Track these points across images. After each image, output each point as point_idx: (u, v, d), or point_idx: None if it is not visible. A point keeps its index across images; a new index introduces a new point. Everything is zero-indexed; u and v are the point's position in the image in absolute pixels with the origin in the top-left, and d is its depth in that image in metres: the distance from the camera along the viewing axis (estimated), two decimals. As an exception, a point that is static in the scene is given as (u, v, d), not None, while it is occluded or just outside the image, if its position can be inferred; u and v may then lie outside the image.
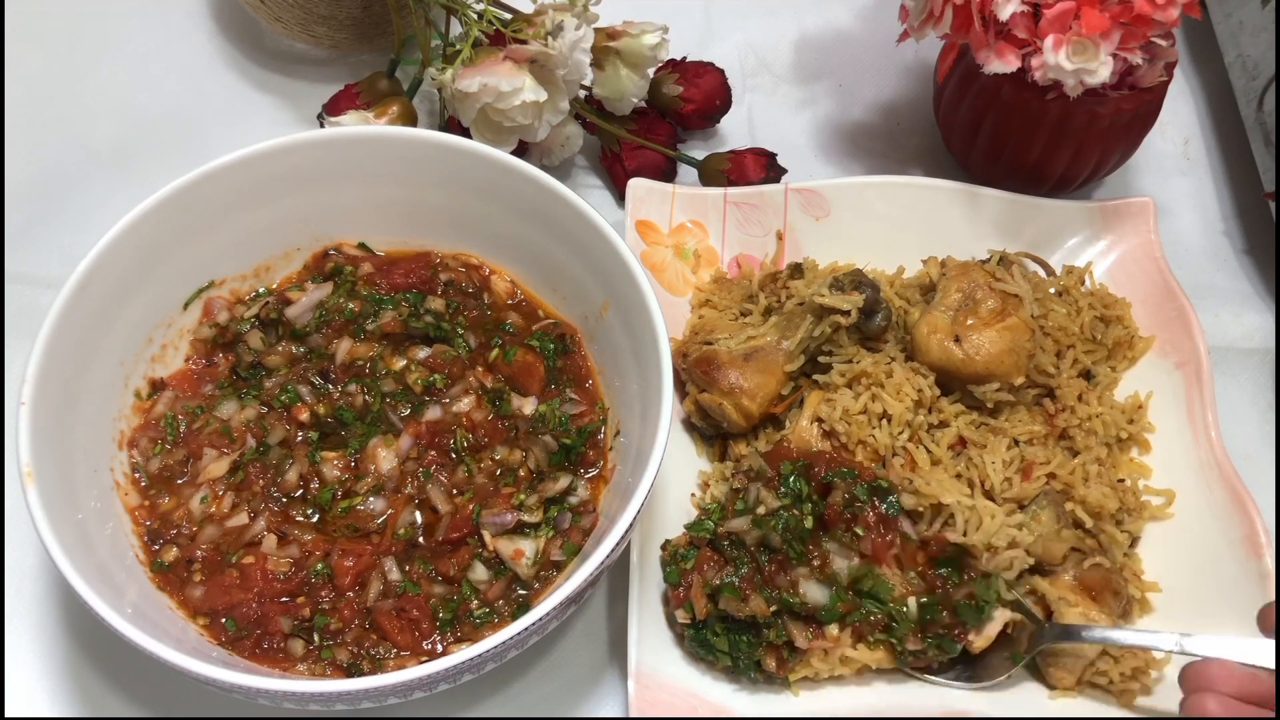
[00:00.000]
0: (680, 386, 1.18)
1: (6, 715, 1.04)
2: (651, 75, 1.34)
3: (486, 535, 1.03)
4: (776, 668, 1.02)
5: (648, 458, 0.96)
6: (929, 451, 1.11)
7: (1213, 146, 1.49)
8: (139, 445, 1.07)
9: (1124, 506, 1.12)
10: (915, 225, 1.28)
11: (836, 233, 1.28)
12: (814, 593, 1.01)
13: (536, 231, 1.13)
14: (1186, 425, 1.17)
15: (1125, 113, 1.25)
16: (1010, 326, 1.14)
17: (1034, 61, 1.16)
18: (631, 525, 0.93)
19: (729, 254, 1.28)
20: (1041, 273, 1.26)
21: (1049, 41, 1.15)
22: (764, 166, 1.35)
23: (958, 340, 1.13)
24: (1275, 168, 1.32)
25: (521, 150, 1.28)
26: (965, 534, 1.04)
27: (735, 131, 1.46)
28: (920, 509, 1.05)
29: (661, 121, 1.39)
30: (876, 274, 1.25)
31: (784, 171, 1.37)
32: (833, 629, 1.01)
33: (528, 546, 1.03)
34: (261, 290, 1.16)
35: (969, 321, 1.14)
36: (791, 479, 1.06)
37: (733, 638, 1.02)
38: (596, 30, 1.28)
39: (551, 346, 1.13)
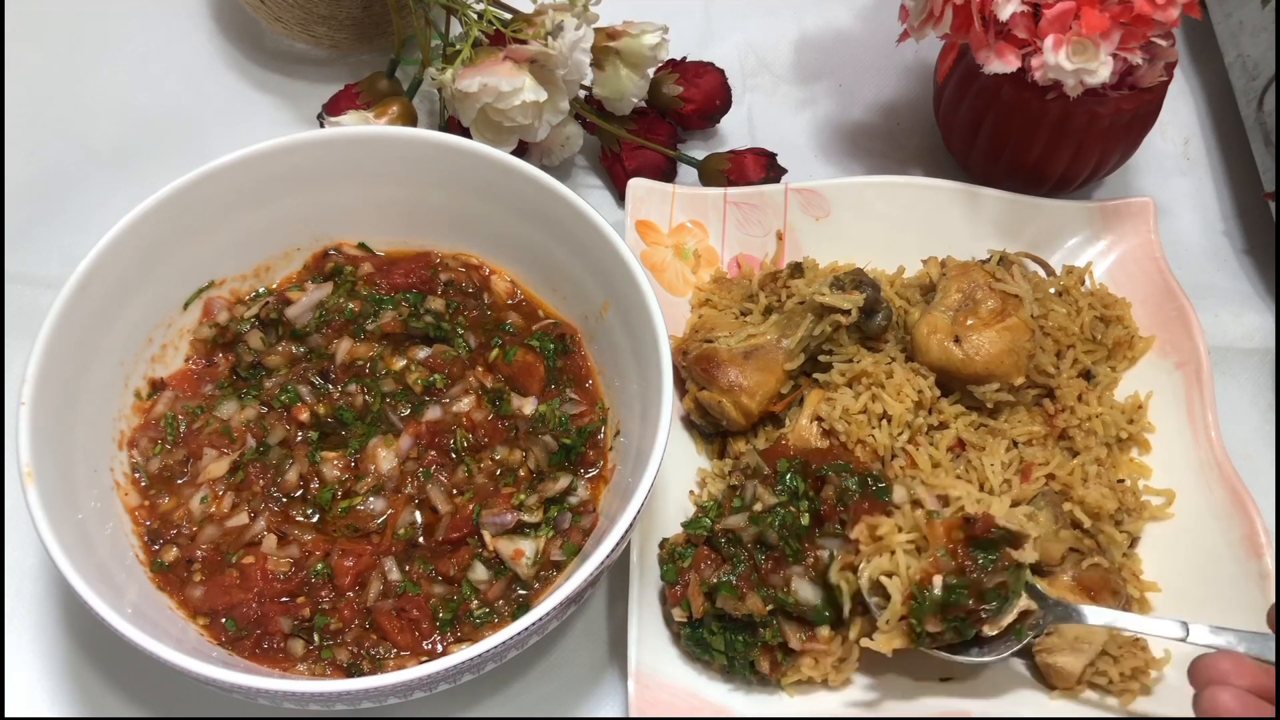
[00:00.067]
0: (680, 384, 1.18)
1: (6, 715, 1.04)
2: (651, 75, 1.34)
3: (486, 535, 1.03)
4: (770, 670, 1.01)
5: (648, 458, 0.96)
6: (929, 454, 1.11)
7: (1213, 146, 1.49)
8: (139, 445, 1.07)
9: (1123, 506, 1.12)
10: (915, 225, 1.28)
11: (836, 233, 1.28)
12: (805, 591, 1.00)
13: (536, 231, 1.13)
14: (1186, 425, 1.17)
15: (1125, 113, 1.25)
16: (1010, 327, 1.14)
17: (1034, 61, 1.16)
18: (631, 525, 0.93)
19: (729, 254, 1.28)
20: (1041, 273, 1.26)
21: (1049, 41, 1.15)
22: (764, 166, 1.35)
23: (958, 340, 1.13)
24: (1275, 168, 1.32)
25: (521, 150, 1.28)
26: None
27: (735, 131, 1.46)
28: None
29: (661, 121, 1.39)
30: (876, 274, 1.25)
31: (784, 171, 1.37)
32: (824, 631, 1.00)
33: (528, 546, 1.03)
34: (261, 290, 1.16)
35: (969, 322, 1.14)
36: (788, 476, 1.05)
37: (729, 637, 1.01)
38: (596, 30, 1.28)
39: (551, 346, 1.13)
